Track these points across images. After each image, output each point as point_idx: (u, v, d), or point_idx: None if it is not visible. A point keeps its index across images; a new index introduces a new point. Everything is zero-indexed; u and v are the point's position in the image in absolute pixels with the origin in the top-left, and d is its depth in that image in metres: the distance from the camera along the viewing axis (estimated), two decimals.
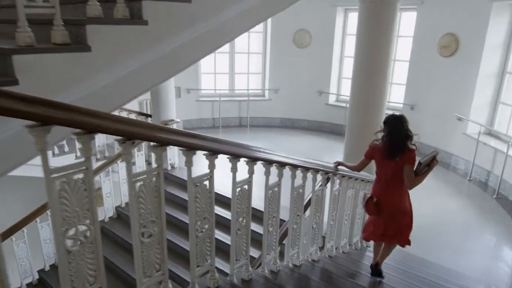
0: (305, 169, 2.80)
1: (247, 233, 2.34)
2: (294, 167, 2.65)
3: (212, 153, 1.93)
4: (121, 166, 5.33)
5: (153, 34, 1.99)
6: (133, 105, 7.93)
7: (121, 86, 1.89)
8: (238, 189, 2.18)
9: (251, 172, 2.24)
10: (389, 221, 3.12)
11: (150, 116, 6.41)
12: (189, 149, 1.79)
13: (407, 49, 8.24)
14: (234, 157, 2.08)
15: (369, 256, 4.02)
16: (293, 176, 2.67)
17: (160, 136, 1.57)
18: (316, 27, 9.19)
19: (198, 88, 9.50)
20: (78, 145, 5.82)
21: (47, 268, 4.49)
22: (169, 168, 6.18)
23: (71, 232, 1.41)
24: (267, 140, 8.69)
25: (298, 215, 2.87)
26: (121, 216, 5.29)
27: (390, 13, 3.96)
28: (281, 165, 2.48)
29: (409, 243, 3.20)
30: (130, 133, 1.48)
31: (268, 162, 2.36)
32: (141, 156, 5.73)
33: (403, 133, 2.93)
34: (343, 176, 3.45)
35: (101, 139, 5.92)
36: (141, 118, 6.32)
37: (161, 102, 6.21)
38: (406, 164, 2.92)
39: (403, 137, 2.93)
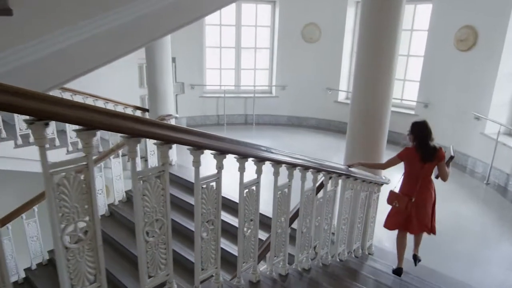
0: (292, 165, 2.45)
1: (216, 238, 2.01)
2: (277, 163, 2.31)
3: (165, 142, 1.61)
4: (114, 162, 5.09)
5: (98, 1, 1.68)
6: (136, 100, 7.69)
7: (56, 61, 1.58)
8: (203, 186, 1.87)
9: (219, 167, 1.92)
10: (419, 213, 3.44)
11: (147, 110, 6.15)
12: (131, 136, 1.48)
13: (422, 44, 7.75)
14: (197, 148, 1.76)
15: (369, 265, 3.64)
16: (276, 174, 2.33)
17: (81, 117, 1.25)
18: (326, 21, 8.80)
19: (203, 84, 9.21)
20: (69, 139, 5.61)
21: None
22: None
23: None
24: (273, 138, 8.37)
25: (283, 219, 2.53)
26: (114, 214, 5.07)
27: (396, 1, 3.56)
28: (259, 160, 2.15)
29: (435, 231, 3.56)
30: (40, 111, 1.17)
31: (242, 156, 2.03)
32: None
33: (430, 137, 3.33)
34: (340, 175, 3.09)
35: None
36: (138, 113, 6.08)
37: (159, 96, 5.95)
38: (441, 161, 3.35)
39: (431, 141, 3.34)
